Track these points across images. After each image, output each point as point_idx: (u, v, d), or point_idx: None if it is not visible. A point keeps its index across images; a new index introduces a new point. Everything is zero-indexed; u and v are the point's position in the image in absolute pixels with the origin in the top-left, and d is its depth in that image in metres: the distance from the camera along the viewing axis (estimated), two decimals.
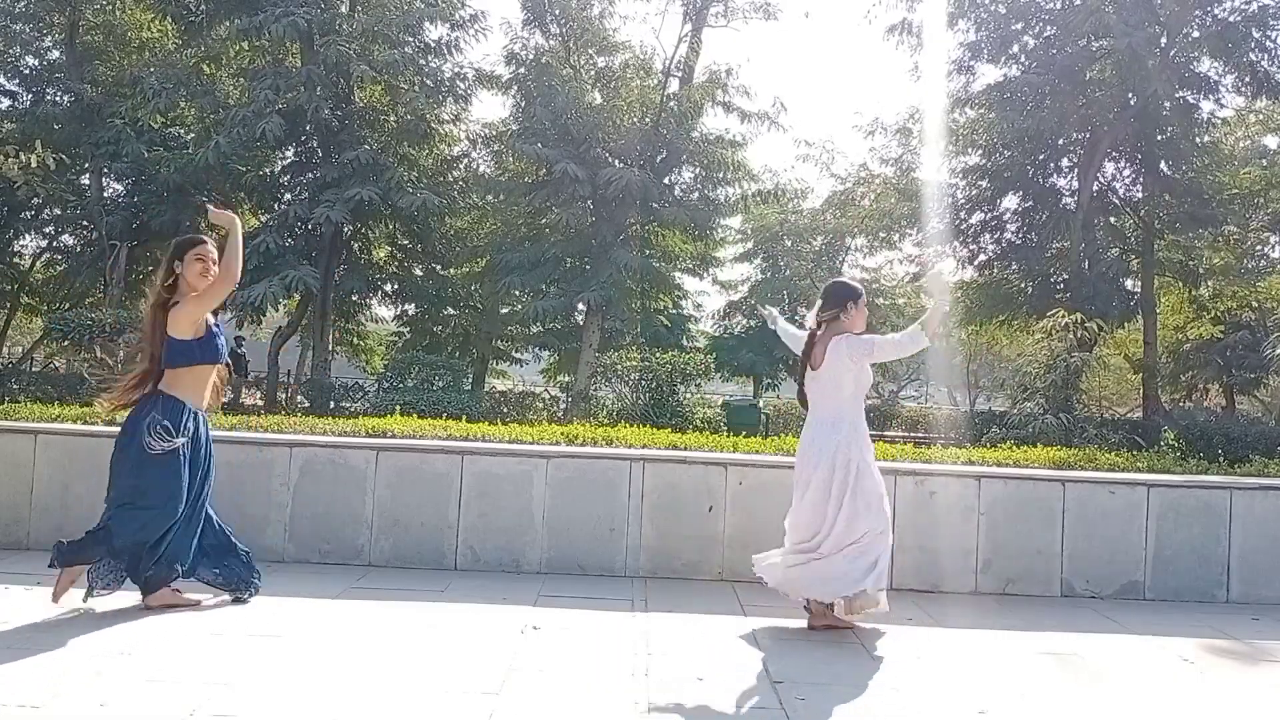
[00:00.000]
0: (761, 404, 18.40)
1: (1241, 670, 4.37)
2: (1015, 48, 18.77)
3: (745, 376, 27.93)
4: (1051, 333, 12.61)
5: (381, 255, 22.42)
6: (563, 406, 18.34)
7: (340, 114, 18.67)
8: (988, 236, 20.63)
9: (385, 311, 25.09)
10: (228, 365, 4.80)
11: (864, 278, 25.35)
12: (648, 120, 20.40)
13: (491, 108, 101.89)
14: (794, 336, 5.16)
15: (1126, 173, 20.30)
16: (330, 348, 21.30)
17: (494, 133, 22.32)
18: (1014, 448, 7.28)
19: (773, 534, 5.37)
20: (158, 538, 4.37)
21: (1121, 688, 3.99)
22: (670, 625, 4.60)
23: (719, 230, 23.72)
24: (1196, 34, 17.61)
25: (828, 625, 4.60)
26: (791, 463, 4.92)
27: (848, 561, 4.50)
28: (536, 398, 18.99)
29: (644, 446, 6.43)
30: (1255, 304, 20.51)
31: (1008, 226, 20.50)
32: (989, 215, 20.40)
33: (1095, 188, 18.79)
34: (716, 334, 29.24)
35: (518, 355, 26.82)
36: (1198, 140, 18.62)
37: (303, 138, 19.80)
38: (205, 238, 4.63)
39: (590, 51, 21.78)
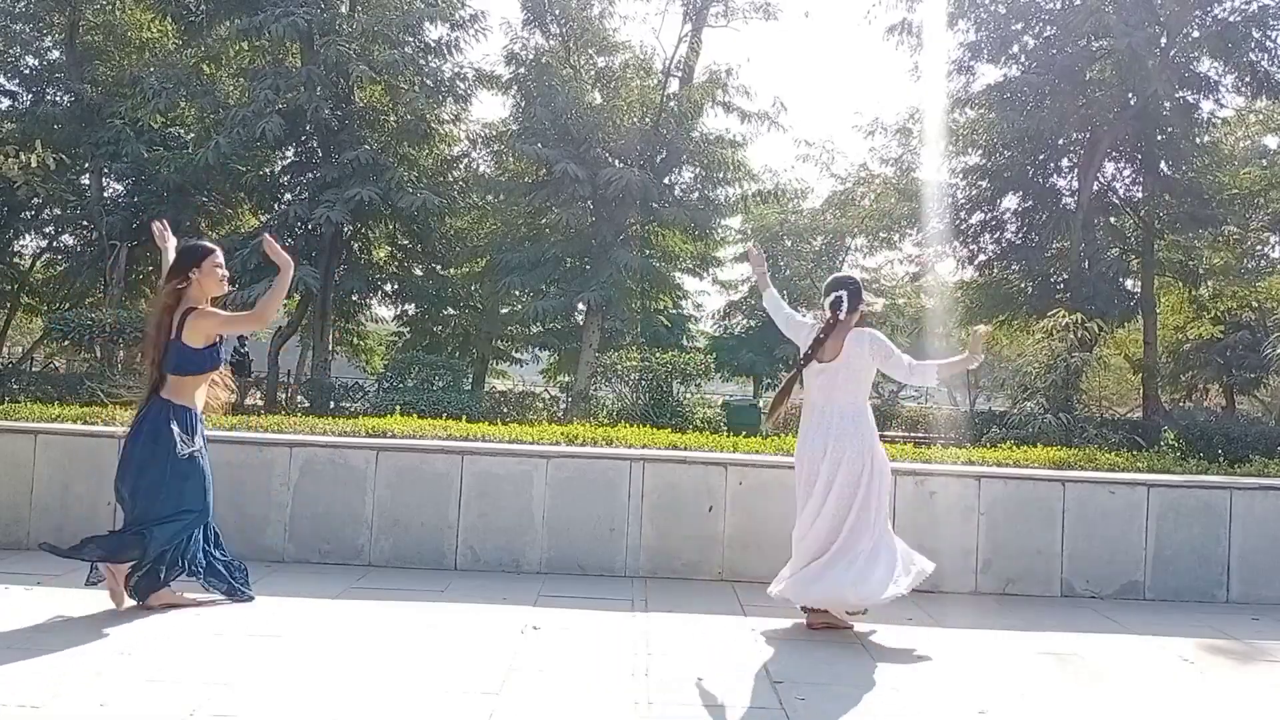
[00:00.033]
0: (762, 404, 18.38)
1: (1241, 670, 4.38)
2: (1015, 48, 18.75)
3: (745, 376, 27.94)
4: (1051, 333, 12.60)
5: (381, 255, 22.39)
6: (563, 406, 18.34)
7: (340, 114, 18.66)
8: (988, 236, 20.61)
9: (385, 311, 25.10)
10: (231, 366, 4.83)
11: (864, 278, 25.25)
12: (648, 120, 20.38)
13: (491, 108, 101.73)
14: (796, 322, 4.94)
15: (1126, 173, 20.30)
16: (330, 348, 21.29)
17: (494, 133, 22.29)
18: (1014, 448, 7.27)
19: (773, 534, 5.37)
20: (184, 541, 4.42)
21: (1121, 688, 3.99)
22: (670, 625, 4.60)
23: (719, 230, 23.66)
24: (1196, 34, 17.60)
25: (827, 625, 4.60)
26: (792, 463, 4.84)
27: (869, 564, 4.46)
28: (536, 398, 18.98)
29: (644, 446, 6.42)
30: (1255, 304, 20.48)
31: (1008, 226, 20.47)
32: (989, 215, 20.37)
33: (1095, 188, 18.77)
34: (716, 334, 29.27)
35: (518, 355, 26.78)
36: (1198, 140, 18.61)
37: (303, 138, 19.78)
38: (218, 248, 4.64)
39: (590, 51, 21.74)
